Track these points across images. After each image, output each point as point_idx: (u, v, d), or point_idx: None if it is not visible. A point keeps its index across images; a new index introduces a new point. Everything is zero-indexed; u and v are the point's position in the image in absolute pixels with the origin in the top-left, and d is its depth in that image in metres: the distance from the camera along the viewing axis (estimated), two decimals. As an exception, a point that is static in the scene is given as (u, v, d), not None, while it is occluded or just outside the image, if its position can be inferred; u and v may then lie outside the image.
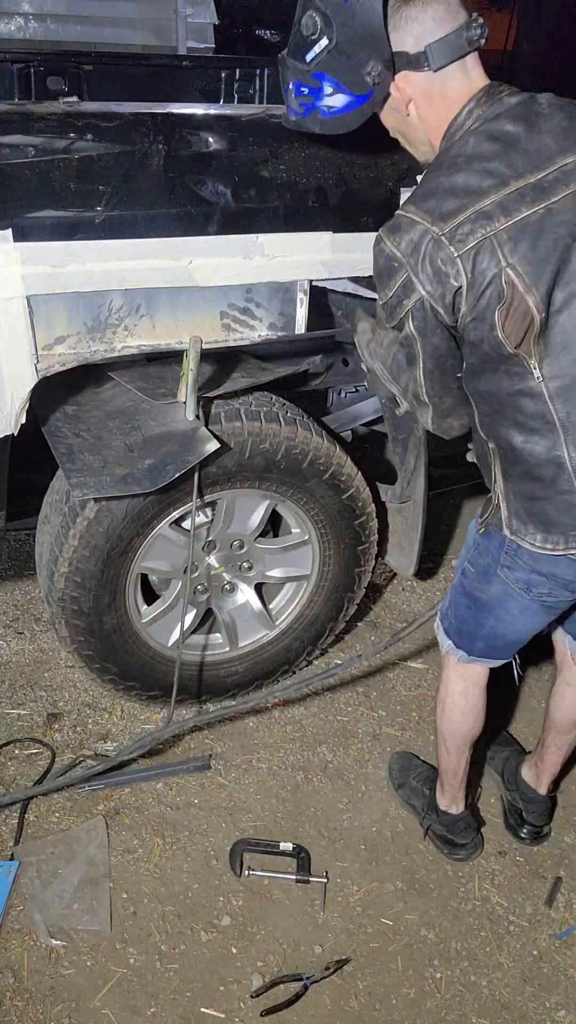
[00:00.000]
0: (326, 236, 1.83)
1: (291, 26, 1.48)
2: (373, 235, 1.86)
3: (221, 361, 2.02)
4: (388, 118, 1.50)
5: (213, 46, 4.68)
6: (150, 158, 1.64)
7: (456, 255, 1.31)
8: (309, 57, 1.46)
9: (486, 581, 1.64)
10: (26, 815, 2.05)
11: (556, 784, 2.12)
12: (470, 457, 1.91)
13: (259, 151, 1.74)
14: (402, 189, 1.90)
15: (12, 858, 1.94)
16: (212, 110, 1.79)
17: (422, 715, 2.42)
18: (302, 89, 1.50)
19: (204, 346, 1.76)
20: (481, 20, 1.37)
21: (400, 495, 2.36)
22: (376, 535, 2.30)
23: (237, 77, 3.43)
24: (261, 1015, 1.71)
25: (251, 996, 1.73)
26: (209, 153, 1.70)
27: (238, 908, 1.90)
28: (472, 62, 1.40)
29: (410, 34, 1.36)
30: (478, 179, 1.33)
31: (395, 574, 3.00)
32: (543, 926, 1.92)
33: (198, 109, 1.77)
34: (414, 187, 1.49)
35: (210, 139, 1.70)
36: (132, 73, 3.25)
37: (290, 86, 1.53)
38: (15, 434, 1.76)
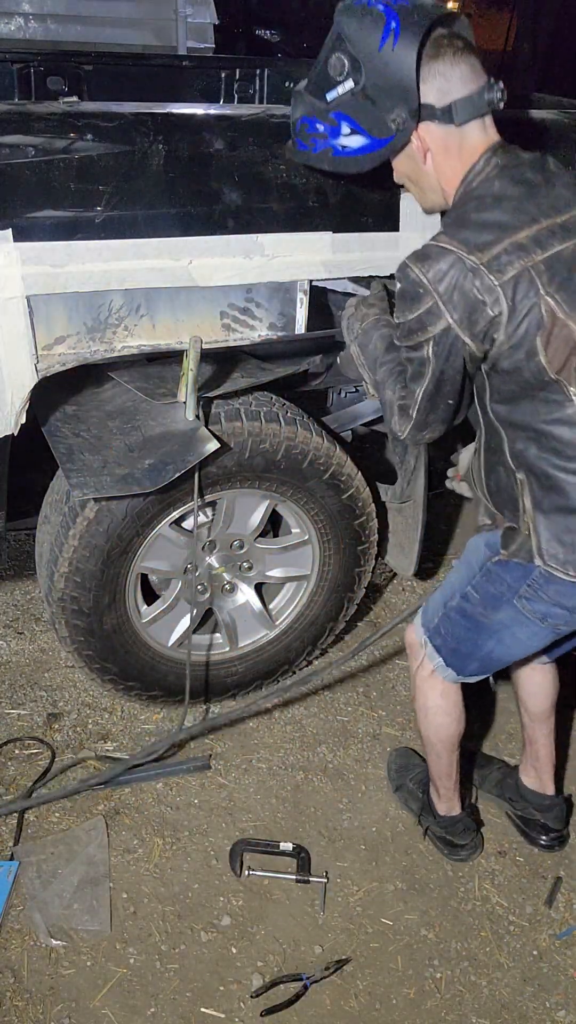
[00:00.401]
0: (326, 236, 1.83)
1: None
2: (373, 235, 1.88)
3: (221, 361, 2.02)
4: (401, 164, 1.55)
5: (213, 46, 4.69)
6: (150, 158, 1.64)
7: (496, 284, 1.37)
8: (331, 96, 1.50)
9: (493, 608, 1.64)
10: (26, 815, 2.05)
11: (560, 782, 2.12)
12: (449, 484, 1.92)
13: (259, 151, 1.74)
14: (402, 189, 1.90)
15: (12, 858, 1.94)
16: (212, 110, 1.79)
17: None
18: (317, 126, 1.54)
19: (204, 346, 1.76)
20: (501, 85, 1.45)
21: (400, 495, 2.36)
22: (376, 535, 2.30)
23: (237, 77, 3.44)
24: (261, 1015, 1.71)
25: (251, 996, 1.73)
26: (209, 153, 1.70)
27: (238, 908, 1.90)
28: (489, 120, 1.48)
29: (437, 88, 1.42)
30: (509, 216, 1.40)
31: (395, 574, 3.00)
32: (543, 926, 1.92)
33: (198, 109, 1.77)
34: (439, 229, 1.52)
35: (210, 139, 1.70)
36: (132, 73, 3.26)
37: (304, 120, 1.56)
38: (15, 434, 1.76)
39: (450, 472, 1.93)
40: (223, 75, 3.43)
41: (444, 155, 1.48)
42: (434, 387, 1.50)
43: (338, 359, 1.99)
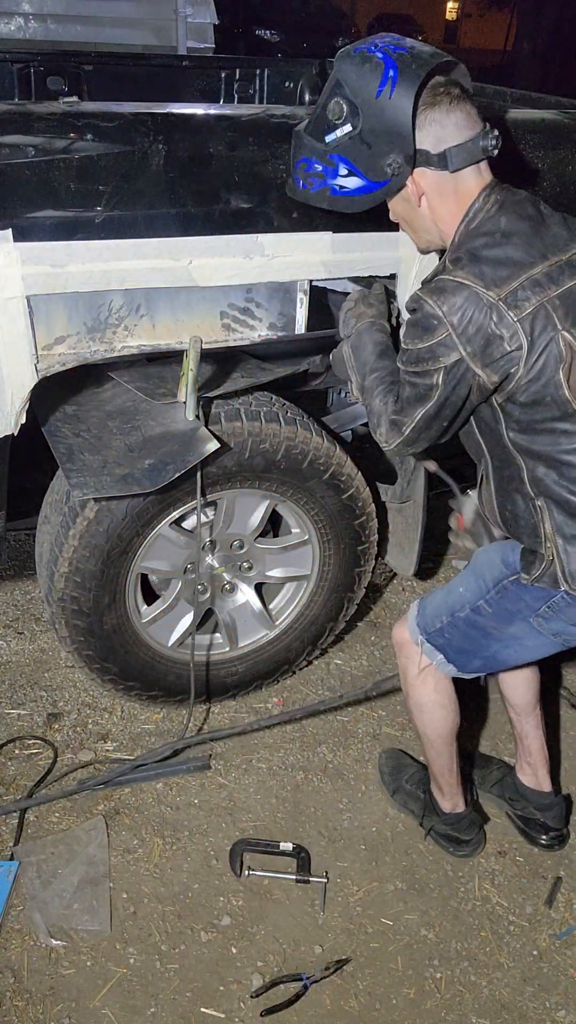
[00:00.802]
0: (326, 236, 1.84)
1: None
2: (373, 235, 1.88)
3: (221, 361, 2.02)
4: (397, 206, 1.60)
5: (213, 46, 4.69)
6: (150, 158, 1.64)
7: (515, 320, 1.40)
8: (329, 139, 1.54)
9: (506, 623, 1.66)
10: (26, 815, 2.05)
11: (557, 781, 2.12)
12: (453, 537, 1.93)
13: (259, 151, 1.74)
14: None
15: (12, 858, 1.94)
16: (212, 110, 1.79)
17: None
18: (315, 166, 1.58)
19: (204, 346, 1.76)
20: (496, 132, 1.48)
21: (400, 495, 2.36)
22: (376, 535, 2.30)
23: (237, 77, 3.44)
24: (261, 1015, 1.71)
25: (251, 996, 1.74)
26: (209, 153, 1.70)
27: (238, 908, 1.90)
28: (484, 164, 1.51)
29: (432, 135, 1.46)
30: (522, 252, 1.44)
31: (395, 574, 3.00)
32: (543, 926, 1.92)
33: (198, 109, 1.77)
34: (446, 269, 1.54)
35: (210, 139, 1.70)
36: (132, 73, 3.26)
37: (303, 160, 1.60)
38: (15, 434, 1.76)
39: (452, 522, 1.93)
40: (223, 75, 3.43)
41: (439, 199, 1.52)
42: (435, 411, 1.53)
43: (330, 356, 2.00)
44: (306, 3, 12.63)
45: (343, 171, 1.54)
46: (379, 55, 1.45)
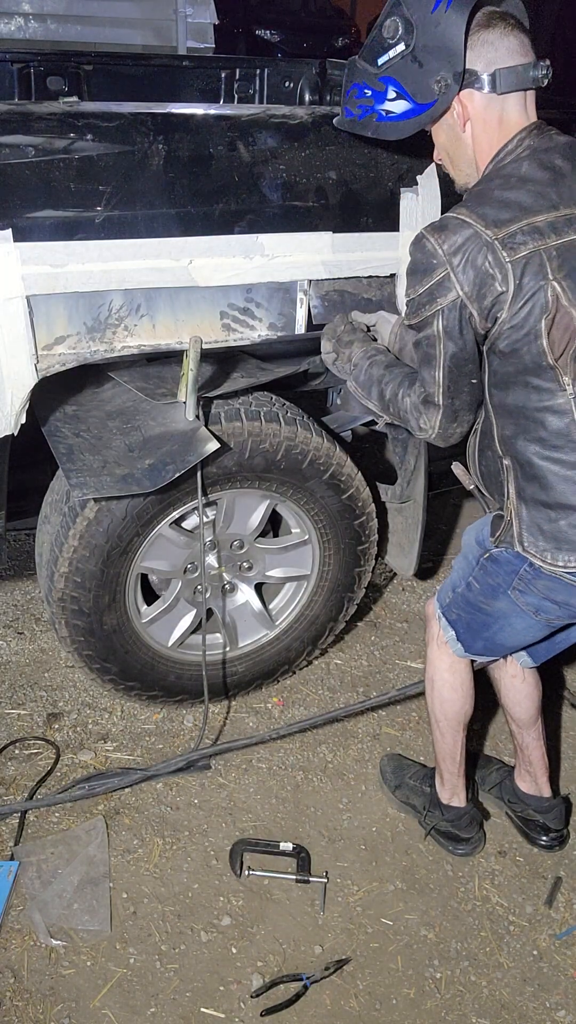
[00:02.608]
0: (326, 236, 1.84)
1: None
2: (373, 235, 1.88)
3: (221, 361, 2.02)
4: (440, 134, 1.57)
5: (213, 46, 4.69)
6: (150, 158, 1.64)
7: (507, 260, 1.39)
8: (382, 60, 1.54)
9: (492, 598, 1.69)
10: (26, 815, 2.05)
11: (556, 783, 2.12)
12: (456, 470, 1.92)
13: (259, 151, 1.74)
14: (402, 189, 1.90)
15: (12, 858, 1.94)
16: (212, 110, 1.79)
17: (422, 715, 2.42)
18: (365, 91, 1.58)
19: (204, 346, 1.76)
20: (548, 63, 1.47)
21: (400, 495, 2.36)
22: (376, 535, 2.30)
23: (237, 77, 3.44)
24: (261, 1015, 1.71)
25: (251, 996, 1.74)
26: (209, 153, 1.70)
27: (238, 908, 1.90)
28: (531, 99, 1.51)
29: (483, 57, 1.45)
30: (531, 198, 1.42)
31: (395, 574, 3.00)
32: (543, 926, 1.92)
33: (198, 109, 1.77)
34: (417, 187, 1.54)
35: (210, 139, 1.70)
36: (132, 73, 3.26)
37: (353, 87, 1.60)
38: (15, 434, 1.76)
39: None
40: (223, 75, 3.43)
41: (483, 127, 1.50)
42: (452, 364, 1.50)
43: (338, 400, 2.01)
44: (306, 3, 12.63)
45: (391, 94, 1.54)
46: None
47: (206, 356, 1.88)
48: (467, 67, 1.45)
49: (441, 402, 1.55)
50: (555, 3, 12.12)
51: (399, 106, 1.54)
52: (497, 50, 1.45)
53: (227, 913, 1.89)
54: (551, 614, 1.63)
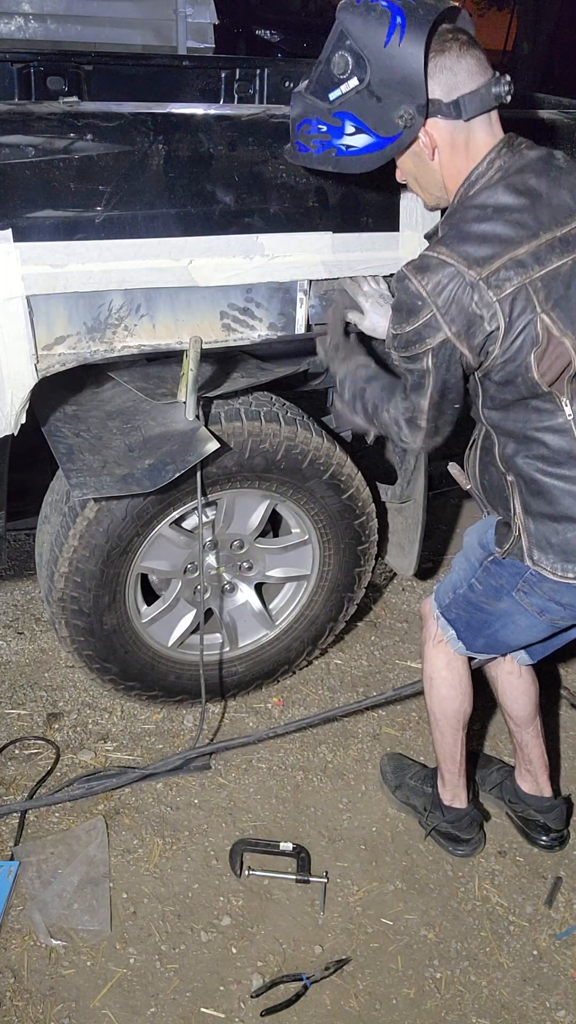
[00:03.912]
0: (326, 236, 1.83)
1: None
2: (373, 235, 1.88)
3: (221, 361, 2.02)
4: (406, 162, 1.53)
5: (213, 46, 4.69)
6: (150, 158, 1.64)
7: (495, 300, 1.37)
8: (333, 95, 1.47)
9: (495, 599, 1.69)
10: (26, 815, 2.05)
11: (556, 783, 2.12)
12: (453, 471, 1.93)
13: (259, 151, 1.74)
14: (403, 189, 1.90)
15: (12, 858, 1.94)
16: (212, 110, 1.79)
17: (422, 715, 2.42)
18: (319, 127, 1.51)
19: (204, 346, 1.76)
20: (508, 78, 1.42)
21: (400, 495, 2.36)
22: (376, 535, 2.30)
23: (237, 77, 3.44)
24: (261, 1015, 1.71)
25: (251, 996, 1.74)
26: (209, 153, 1.70)
27: (238, 908, 1.90)
28: (495, 116, 1.46)
29: (443, 84, 1.40)
30: (510, 230, 1.38)
31: (395, 574, 3.00)
32: (543, 926, 1.92)
33: (198, 109, 1.77)
34: (435, 231, 1.52)
35: (210, 139, 1.70)
36: (132, 73, 3.26)
37: (305, 122, 1.53)
38: (15, 434, 1.76)
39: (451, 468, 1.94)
40: (223, 75, 3.43)
41: (451, 152, 1.46)
42: (439, 395, 1.50)
43: (332, 413, 2.01)
44: (306, 3, 12.64)
45: (350, 129, 1.48)
46: (383, 3, 1.38)
47: (206, 356, 1.88)
48: (429, 97, 1.40)
49: (425, 425, 1.56)
50: (555, 3, 12.12)
51: (360, 140, 1.49)
52: (456, 74, 1.40)
53: (227, 913, 1.89)
54: (555, 615, 1.64)
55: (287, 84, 3.47)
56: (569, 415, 1.45)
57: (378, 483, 2.39)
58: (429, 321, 1.40)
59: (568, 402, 1.45)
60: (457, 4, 1.47)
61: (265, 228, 1.77)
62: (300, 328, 1.94)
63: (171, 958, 1.79)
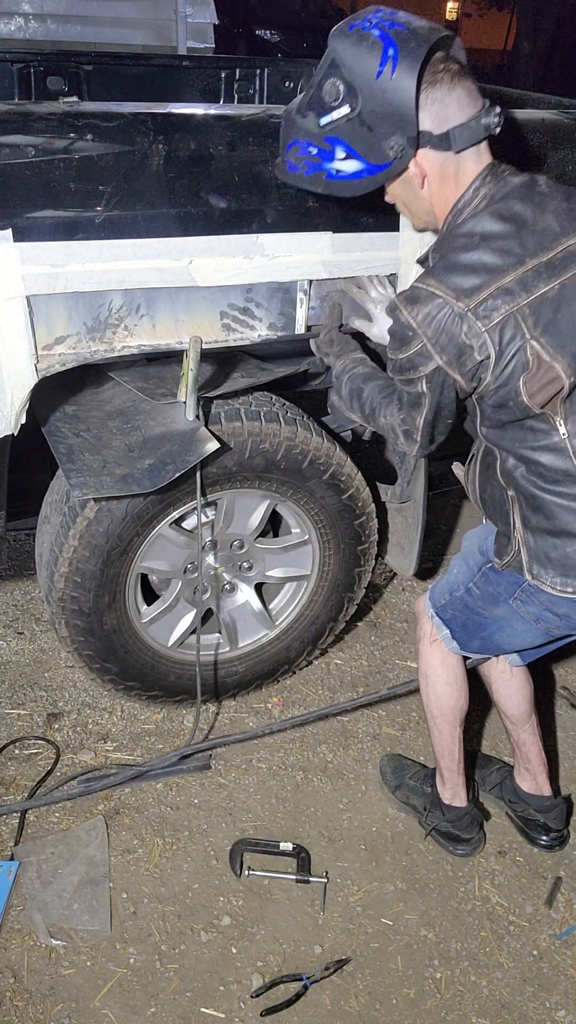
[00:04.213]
0: (326, 236, 1.83)
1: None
2: (373, 235, 1.88)
3: (221, 361, 2.02)
4: (396, 188, 1.54)
5: (213, 46, 4.69)
6: (150, 158, 1.64)
7: (483, 330, 1.38)
8: (324, 121, 1.47)
9: (492, 604, 1.71)
10: (26, 815, 2.05)
11: (556, 783, 2.12)
12: (456, 471, 1.94)
13: (259, 151, 1.74)
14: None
15: (12, 858, 1.94)
16: (212, 110, 1.79)
17: (422, 715, 2.42)
18: (310, 149, 1.51)
19: (204, 346, 1.76)
20: (498, 109, 1.43)
21: (400, 495, 2.36)
22: (376, 535, 2.30)
23: (237, 77, 3.44)
24: (261, 1015, 1.71)
25: (251, 996, 1.74)
26: (209, 153, 1.70)
27: (238, 908, 1.90)
28: (484, 145, 1.46)
29: (434, 115, 1.41)
30: (496, 258, 1.39)
31: (395, 574, 3.00)
32: (543, 926, 1.92)
33: (198, 109, 1.77)
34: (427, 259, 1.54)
35: (210, 139, 1.70)
36: (132, 73, 3.26)
37: (296, 143, 1.53)
38: (15, 434, 1.76)
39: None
40: (223, 75, 3.43)
41: (441, 182, 1.48)
42: (433, 415, 1.54)
43: (329, 408, 2.02)
44: (306, 3, 12.64)
45: (340, 154, 1.48)
46: (376, 32, 1.38)
47: (206, 356, 1.88)
48: (420, 129, 1.41)
49: (420, 439, 1.60)
50: (555, 3, 12.12)
51: (351, 165, 1.49)
52: (448, 107, 1.40)
53: (227, 913, 1.89)
54: (551, 624, 1.66)
55: (287, 84, 3.47)
56: (563, 434, 1.46)
57: (378, 483, 2.39)
58: (421, 351, 1.43)
59: (562, 422, 1.46)
60: (450, 33, 1.47)
61: (265, 228, 1.77)
62: (300, 328, 1.94)
63: (171, 958, 1.80)
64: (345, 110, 1.43)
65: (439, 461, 2.28)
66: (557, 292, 1.40)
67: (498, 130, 1.44)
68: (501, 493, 1.60)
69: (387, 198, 1.59)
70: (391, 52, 1.37)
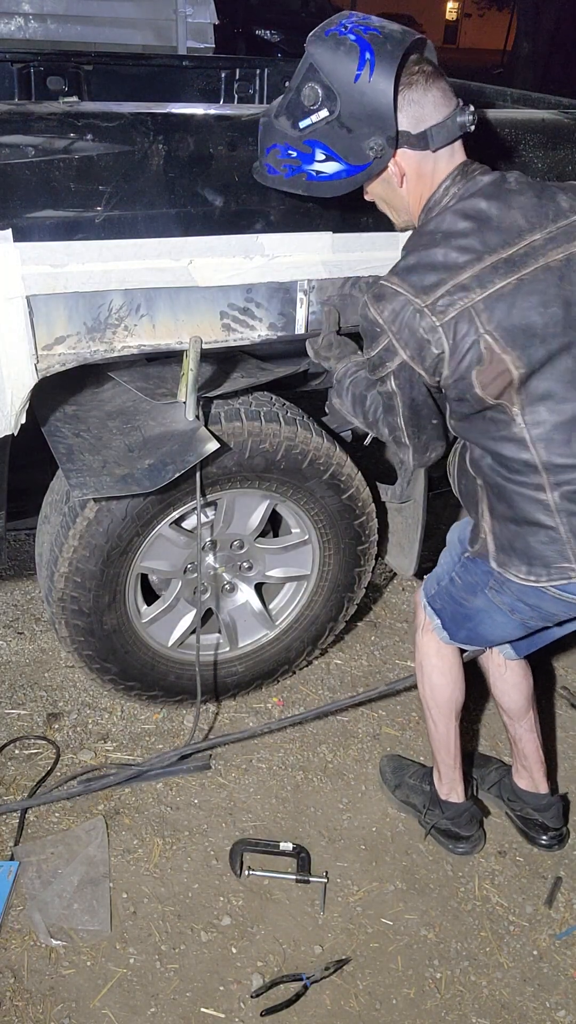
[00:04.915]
0: (326, 236, 1.84)
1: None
2: (373, 235, 1.88)
3: (221, 361, 2.02)
4: (376, 187, 1.59)
5: (213, 46, 4.69)
6: (150, 158, 1.64)
7: (438, 324, 1.42)
8: (304, 124, 1.51)
9: (472, 594, 1.74)
10: (26, 815, 2.05)
11: (553, 780, 2.12)
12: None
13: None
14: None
15: (12, 858, 1.94)
16: (212, 110, 1.79)
17: (422, 715, 2.42)
18: (289, 152, 1.55)
19: (204, 346, 1.76)
20: (472, 108, 1.47)
21: (400, 495, 2.35)
22: (376, 535, 2.30)
23: (237, 77, 3.44)
24: (261, 1015, 1.71)
25: (251, 996, 1.74)
26: (209, 153, 1.70)
27: (238, 908, 1.90)
28: (458, 144, 1.51)
29: (411, 116, 1.45)
30: (455, 255, 1.43)
31: (395, 574, 3.00)
32: (543, 926, 1.92)
33: (198, 109, 1.77)
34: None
35: (210, 139, 1.70)
36: (132, 73, 3.26)
37: (275, 147, 1.57)
38: (15, 434, 1.76)
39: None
40: (223, 75, 3.43)
41: (418, 180, 1.52)
42: (410, 412, 1.57)
43: (327, 410, 2.03)
44: (306, 3, 12.63)
45: (320, 156, 1.52)
46: (352, 37, 1.43)
47: (206, 356, 1.88)
48: (399, 129, 1.45)
49: (409, 442, 1.64)
50: (555, 3, 12.12)
51: (331, 167, 1.53)
52: (424, 107, 1.44)
53: (227, 913, 1.89)
54: (524, 615, 1.68)
55: (287, 84, 3.46)
56: (521, 425, 1.48)
57: (378, 483, 2.39)
58: (387, 346, 1.47)
59: (519, 412, 1.47)
60: (422, 36, 1.52)
61: (265, 228, 1.77)
62: (300, 328, 1.94)
63: (171, 958, 1.80)
64: (324, 113, 1.48)
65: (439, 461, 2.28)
66: (513, 287, 1.43)
67: (472, 128, 1.48)
68: (472, 483, 1.63)
69: (367, 197, 1.63)
70: (368, 56, 1.42)
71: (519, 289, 1.43)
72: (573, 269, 1.45)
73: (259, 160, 1.63)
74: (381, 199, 1.61)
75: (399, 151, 1.48)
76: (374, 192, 1.60)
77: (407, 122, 1.45)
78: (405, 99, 1.44)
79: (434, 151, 1.47)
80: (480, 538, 1.64)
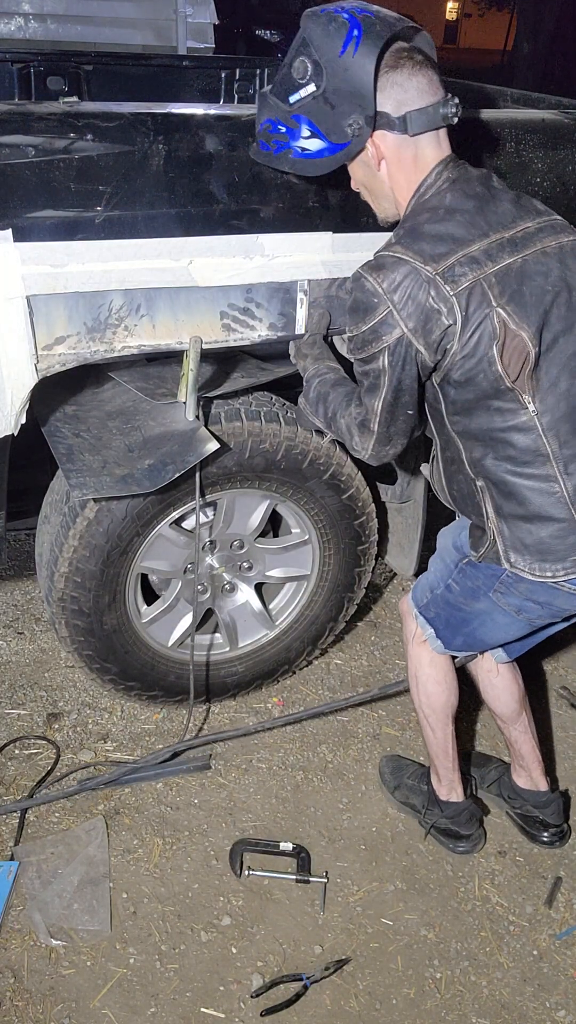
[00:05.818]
0: (326, 236, 1.83)
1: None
2: (373, 235, 1.88)
3: (221, 361, 2.02)
4: (357, 170, 1.59)
5: (213, 46, 4.69)
6: (150, 158, 1.64)
7: (451, 294, 1.41)
8: (293, 99, 1.53)
9: (473, 599, 1.72)
10: (26, 815, 2.05)
11: (553, 780, 2.12)
12: (424, 471, 1.95)
13: (259, 151, 1.74)
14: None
15: (12, 858, 1.94)
16: (212, 110, 1.79)
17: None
18: (279, 128, 1.57)
19: (204, 346, 1.76)
20: (456, 101, 1.48)
21: (400, 495, 2.36)
22: (376, 535, 2.30)
23: (237, 77, 3.44)
24: (261, 1015, 1.71)
25: (251, 996, 1.74)
26: (209, 153, 1.70)
27: (238, 908, 1.90)
28: (443, 135, 1.52)
29: (393, 98, 1.46)
30: (463, 229, 1.44)
31: (395, 574, 3.00)
32: (543, 926, 1.92)
33: (198, 109, 1.77)
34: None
35: (210, 139, 1.70)
36: (132, 73, 3.26)
37: (267, 122, 1.59)
38: (15, 434, 1.76)
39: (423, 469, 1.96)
40: (223, 75, 3.43)
41: (398, 165, 1.52)
42: (392, 397, 1.53)
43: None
44: (306, 3, 12.65)
45: (305, 132, 1.54)
46: (344, 15, 1.45)
47: (206, 356, 1.88)
48: (378, 109, 1.46)
49: (376, 429, 1.59)
50: (555, 3, 12.12)
51: (314, 144, 1.54)
52: (406, 91, 1.45)
53: (227, 913, 1.89)
54: (532, 614, 1.67)
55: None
56: (532, 411, 1.47)
57: (378, 483, 2.39)
58: (385, 318, 1.44)
59: (530, 399, 1.47)
60: (419, 25, 1.53)
61: (265, 228, 1.77)
62: (300, 328, 1.94)
63: (171, 958, 1.80)
64: (311, 88, 1.49)
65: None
66: (520, 266, 1.44)
67: (455, 120, 1.48)
68: (470, 485, 1.61)
69: (352, 184, 1.63)
70: (355, 33, 1.43)
71: (524, 268, 1.44)
72: (568, 256, 1.48)
73: (255, 138, 1.65)
74: (363, 186, 1.61)
75: (377, 132, 1.49)
76: (356, 177, 1.61)
77: (388, 103, 1.46)
78: (388, 80, 1.45)
79: (412, 136, 1.47)
80: (486, 541, 1.61)
